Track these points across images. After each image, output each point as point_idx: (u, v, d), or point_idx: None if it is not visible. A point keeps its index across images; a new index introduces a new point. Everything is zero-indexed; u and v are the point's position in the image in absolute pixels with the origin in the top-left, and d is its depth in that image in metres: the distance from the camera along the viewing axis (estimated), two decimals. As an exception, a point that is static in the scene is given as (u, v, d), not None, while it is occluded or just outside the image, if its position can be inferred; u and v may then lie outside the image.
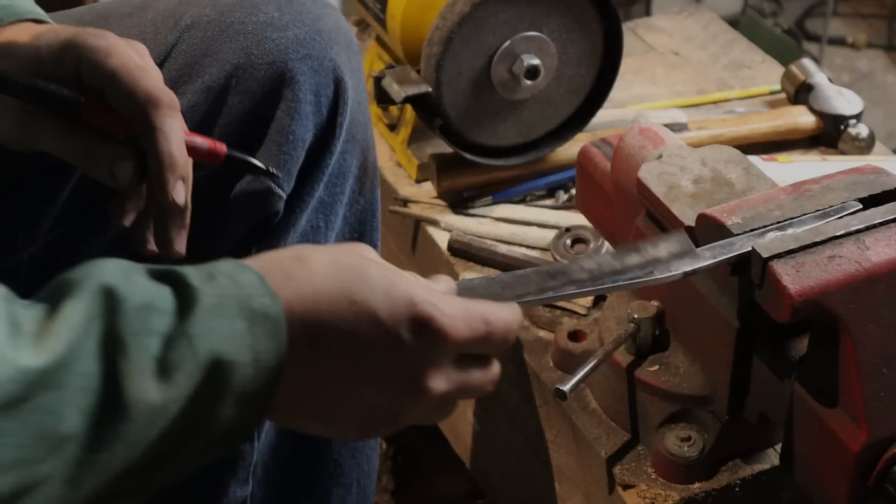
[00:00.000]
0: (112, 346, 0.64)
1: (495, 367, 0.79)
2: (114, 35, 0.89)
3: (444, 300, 0.75)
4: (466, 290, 0.80)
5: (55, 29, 0.91)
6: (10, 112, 0.88)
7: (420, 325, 0.73)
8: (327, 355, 0.72)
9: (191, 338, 0.66)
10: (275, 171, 0.97)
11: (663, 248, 0.85)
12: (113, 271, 0.67)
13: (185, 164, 0.89)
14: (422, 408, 0.77)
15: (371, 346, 0.73)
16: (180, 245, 0.91)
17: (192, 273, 0.69)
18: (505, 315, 0.77)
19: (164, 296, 0.67)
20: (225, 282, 0.69)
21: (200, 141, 0.92)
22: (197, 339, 0.66)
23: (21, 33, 0.91)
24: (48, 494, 0.62)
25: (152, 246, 0.92)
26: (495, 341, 0.77)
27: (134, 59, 0.88)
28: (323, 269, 0.73)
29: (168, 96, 0.88)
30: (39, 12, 0.95)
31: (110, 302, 0.65)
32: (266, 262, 0.73)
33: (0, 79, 0.85)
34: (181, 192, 0.89)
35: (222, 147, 0.93)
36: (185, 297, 0.68)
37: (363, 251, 0.77)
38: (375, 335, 0.72)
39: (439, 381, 0.75)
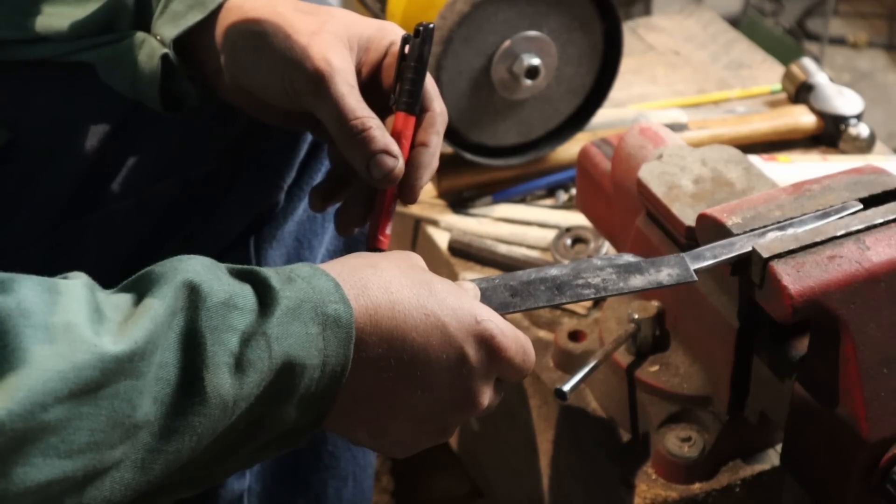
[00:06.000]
0: (192, 340, 0.65)
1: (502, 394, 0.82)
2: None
3: (501, 320, 0.78)
4: (483, 300, 0.82)
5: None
6: (276, 79, 0.87)
7: (483, 341, 0.76)
8: (396, 363, 0.74)
9: (269, 338, 0.68)
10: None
11: (665, 272, 0.86)
12: (197, 268, 0.68)
13: (369, 118, 0.85)
14: (459, 423, 0.80)
15: (439, 359, 0.75)
16: (415, 195, 0.89)
17: (272, 274, 0.70)
18: (532, 351, 0.81)
19: (245, 294, 0.69)
20: (302, 285, 0.70)
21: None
22: (274, 340, 0.68)
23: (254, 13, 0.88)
24: (118, 479, 0.63)
25: (351, 230, 0.91)
26: (523, 372, 0.80)
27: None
28: (395, 279, 0.75)
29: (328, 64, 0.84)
30: None
31: (193, 297, 0.66)
32: (339, 269, 0.74)
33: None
34: (390, 150, 0.85)
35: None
36: (265, 298, 0.69)
37: (418, 261, 0.80)
38: (444, 348, 0.75)
39: (486, 397, 0.78)
